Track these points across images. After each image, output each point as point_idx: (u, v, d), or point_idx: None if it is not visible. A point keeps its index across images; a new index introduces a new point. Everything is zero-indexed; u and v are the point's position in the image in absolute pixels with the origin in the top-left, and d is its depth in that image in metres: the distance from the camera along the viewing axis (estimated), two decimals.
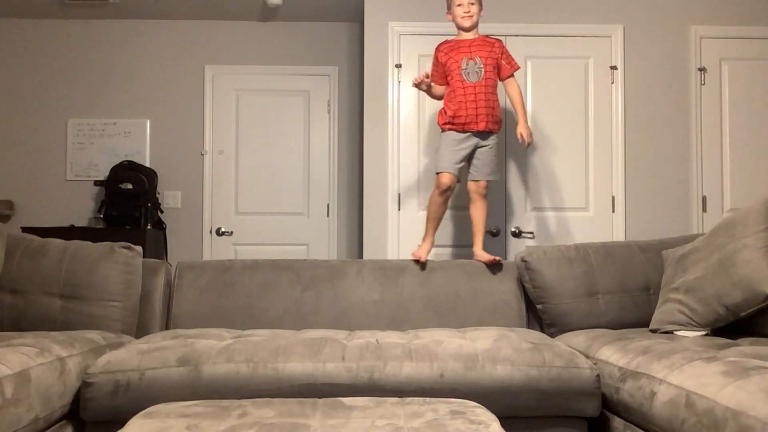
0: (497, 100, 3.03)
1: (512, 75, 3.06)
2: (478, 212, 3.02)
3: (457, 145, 2.97)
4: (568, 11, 4.00)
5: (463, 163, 2.99)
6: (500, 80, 3.06)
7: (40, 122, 4.75)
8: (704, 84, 3.99)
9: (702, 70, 3.99)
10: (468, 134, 2.97)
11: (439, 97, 3.12)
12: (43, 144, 4.74)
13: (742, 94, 3.99)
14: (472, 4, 3.01)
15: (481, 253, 2.88)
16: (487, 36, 3.10)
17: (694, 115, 3.97)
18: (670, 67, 4.00)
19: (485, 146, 2.99)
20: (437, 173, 2.99)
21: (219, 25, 4.81)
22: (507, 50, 3.08)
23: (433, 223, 3.04)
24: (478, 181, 3.00)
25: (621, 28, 3.99)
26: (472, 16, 3.01)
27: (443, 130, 3.03)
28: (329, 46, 4.84)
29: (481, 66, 2.97)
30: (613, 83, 3.99)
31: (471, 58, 2.98)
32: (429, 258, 2.85)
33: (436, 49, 3.09)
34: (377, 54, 3.97)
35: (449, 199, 3.04)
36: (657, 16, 4.01)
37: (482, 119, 2.95)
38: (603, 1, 4.01)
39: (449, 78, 3.03)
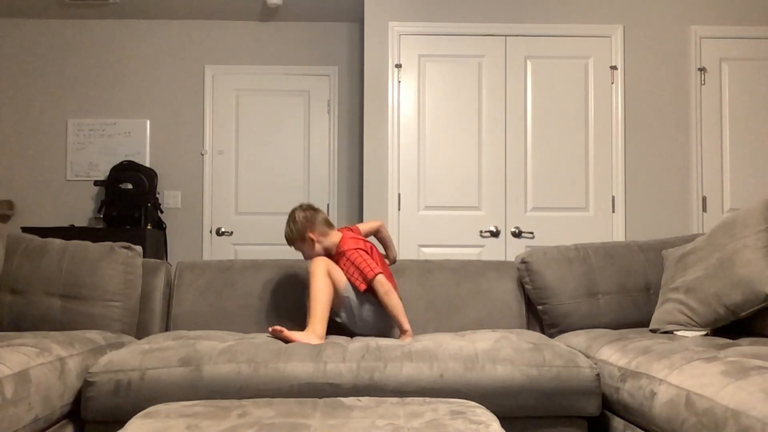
0: None
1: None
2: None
3: None
4: (568, 11, 4.00)
5: None
6: None
7: (40, 122, 4.75)
8: (704, 84, 3.99)
9: (702, 70, 3.99)
10: None
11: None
12: (43, 144, 4.74)
13: (742, 94, 3.99)
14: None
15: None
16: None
17: (694, 115, 3.98)
18: (670, 67, 4.00)
19: None
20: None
21: (219, 25, 4.81)
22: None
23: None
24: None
25: (621, 28, 3.99)
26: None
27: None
28: (329, 46, 4.84)
29: None
30: (613, 83, 3.99)
31: None
32: (428, 258, 2.85)
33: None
34: (377, 54, 3.97)
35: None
36: (657, 16, 4.01)
37: None
38: (603, 1, 4.01)
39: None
